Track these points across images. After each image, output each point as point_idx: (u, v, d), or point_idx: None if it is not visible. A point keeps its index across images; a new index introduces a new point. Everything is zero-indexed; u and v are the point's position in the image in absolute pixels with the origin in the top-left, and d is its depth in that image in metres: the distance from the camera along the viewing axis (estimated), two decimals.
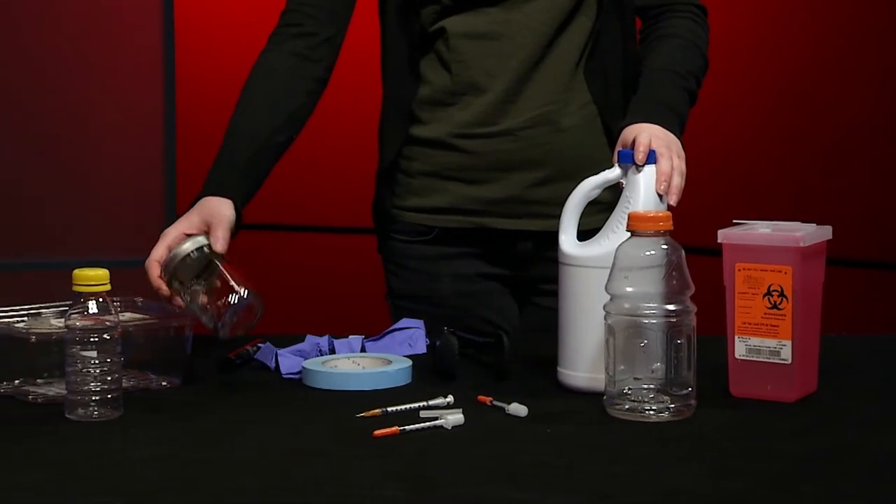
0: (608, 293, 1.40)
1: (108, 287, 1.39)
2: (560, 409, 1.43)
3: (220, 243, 1.60)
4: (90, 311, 1.38)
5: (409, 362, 1.59)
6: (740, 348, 1.47)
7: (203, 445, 1.30)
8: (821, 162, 3.72)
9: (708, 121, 2.98)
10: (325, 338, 1.70)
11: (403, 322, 1.79)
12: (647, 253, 1.38)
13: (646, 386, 1.39)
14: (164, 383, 1.56)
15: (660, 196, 1.53)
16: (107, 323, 1.39)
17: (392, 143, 1.88)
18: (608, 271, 1.40)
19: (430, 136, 1.85)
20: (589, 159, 1.81)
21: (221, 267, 1.55)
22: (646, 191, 1.52)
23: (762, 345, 1.45)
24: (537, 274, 1.88)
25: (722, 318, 1.48)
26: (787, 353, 1.44)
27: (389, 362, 1.60)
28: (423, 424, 1.34)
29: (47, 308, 1.61)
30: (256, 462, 1.23)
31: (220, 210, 1.65)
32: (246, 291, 1.52)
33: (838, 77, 3.70)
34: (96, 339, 1.38)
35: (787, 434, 1.33)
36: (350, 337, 1.73)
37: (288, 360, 1.63)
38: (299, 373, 1.59)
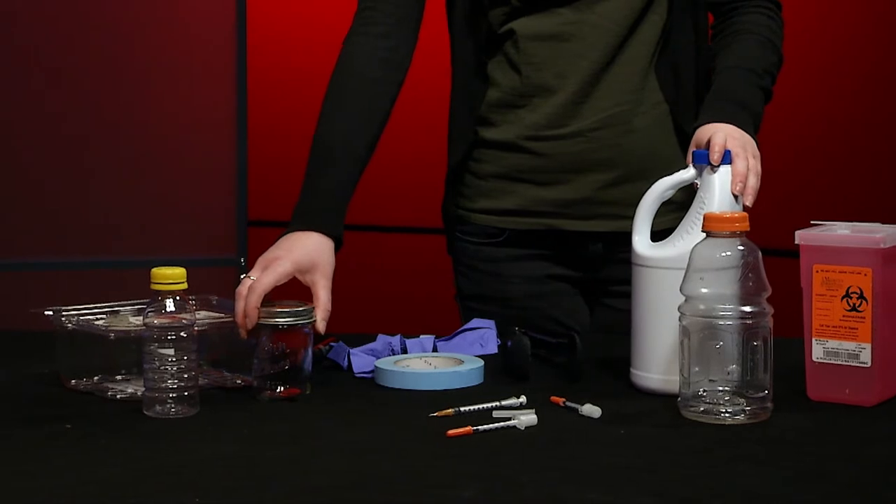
0: (683, 294, 1.38)
1: (185, 285, 1.41)
2: (634, 410, 1.42)
3: (321, 325, 1.55)
4: (167, 309, 1.40)
5: (482, 362, 1.59)
6: (818, 351, 1.45)
7: (277, 443, 1.31)
8: None
9: (785, 119, 2.95)
10: (397, 337, 1.71)
11: (474, 322, 1.79)
12: (723, 254, 1.37)
13: (721, 388, 1.37)
14: (238, 381, 1.57)
15: (735, 197, 1.51)
16: (183, 321, 1.41)
17: (461, 145, 1.88)
18: (682, 272, 1.39)
19: (500, 139, 1.85)
20: (660, 159, 1.79)
21: (304, 358, 1.52)
22: (721, 191, 1.51)
23: (840, 348, 1.43)
24: (608, 275, 1.87)
25: (799, 321, 1.46)
26: (866, 357, 1.42)
27: (461, 362, 1.60)
28: (496, 425, 1.33)
29: (125, 306, 1.63)
30: (331, 460, 1.24)
31: (322, 258, 1.60)
32: (303, 390, 1.51)
33: None
34: (173, 337, 1.40)
35: (868, 439, 1.31)
36: (422, 336, 1.73)
37: (360, 360, 1.63)
38: (371, 372, 1.60)
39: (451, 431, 1.31)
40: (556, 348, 1.63)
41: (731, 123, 1.62)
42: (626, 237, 1.54)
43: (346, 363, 1.65)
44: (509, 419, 1.35)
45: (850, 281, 1.42)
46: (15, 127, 3.35)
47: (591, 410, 1.39)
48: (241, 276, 1.57)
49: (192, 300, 1.47)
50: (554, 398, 1.44)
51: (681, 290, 1.39)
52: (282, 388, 1.50)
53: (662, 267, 1.48)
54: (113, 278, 3.35)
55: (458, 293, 1.96)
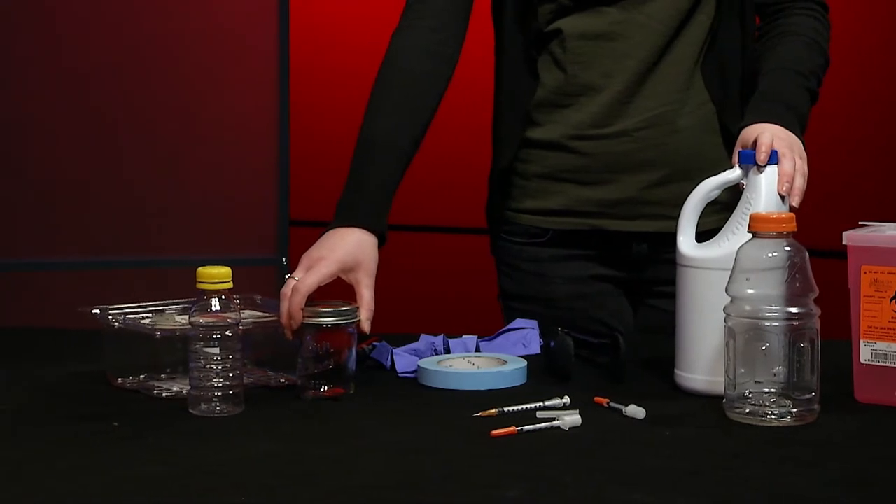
0: (729, 295, 1.37)
1: (231, 285, 1.42)
2: (678, 411, 1.41)
3: (365, 325, 1.55)
4: (213, 309, 1.41)
5: (525, 362, 1.59)
6: (866, 353, 1.43)
7: (322, 442, 1.31)
8: None
9: (832, 120, 2.92)
10: (440, 337, 1.71)
11: (517, 322, 1.79)
12: (770, 255, 1.36)
13: (767, 390, 1.36)
14: (282, 380, 1.58)
15: (782, 197, 1.50)
16: (229, 320, 1.41)
17: (508, 145, 1.87)
18: (728, 273, 1.38)
19: (545, 138, 1.84)
20: (705, 159, 1.78)
21: (348, 358, 1.52)
22: (767, 192, 1.50)
23: (889, 349, 1.41)
24: (652, 275, 1.86)
25: (847, 322, 1.44)
26: None
27: (504, 362, 1.59)
28: (540, 425, 1.33)
29: (171, 305, 1.64)
30: (374, 459, 1.24)
31: (366, 256, 1.59)
32: (347, 390, 1.51)
33: None
34: (219, 336, 1.41)
35: None
36: (464, 336, 1.73)
37: (403, 359, 1.64)
38: (414, 372, 1.60)
39: (495, 431, 1.31)
40: (599, 349, 1.63)
41: (777, 124, 1.61)
42: (671, 237, 1.53)
43: (389, 363, 1.65)
44: (553, 419, 1.34)
45: None
46: (58, 126, 3.38)
47: (635, 411, 1.38)
48: (286, 277, 1.58)
49: (237, 299, 1.47)
50: (598, 399, 1.43)
51: (726, 290, 1.38)
52: (326, 388, 1.50)
53: (708, 267, 1.47)
54: (155, 278, 3.38)
55: (500, 293, 1.96)
